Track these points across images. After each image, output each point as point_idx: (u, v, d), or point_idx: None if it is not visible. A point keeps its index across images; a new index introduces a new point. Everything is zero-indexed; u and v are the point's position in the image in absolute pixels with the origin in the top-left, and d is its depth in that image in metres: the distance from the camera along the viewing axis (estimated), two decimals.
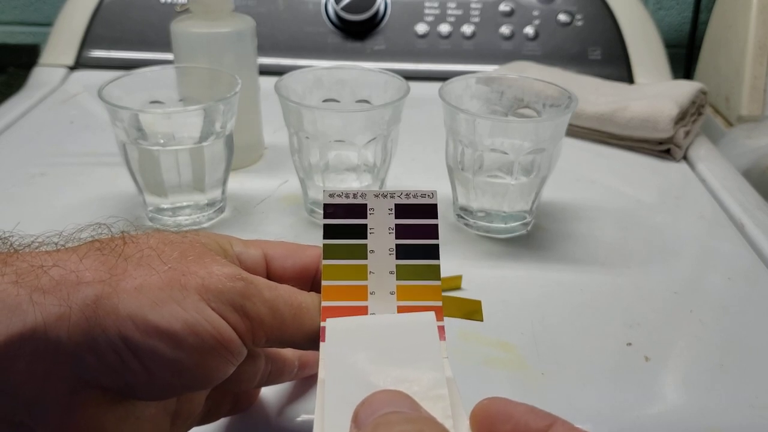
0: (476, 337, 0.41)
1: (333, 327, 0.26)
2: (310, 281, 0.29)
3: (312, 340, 0.27)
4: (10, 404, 0.22)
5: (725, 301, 0.46)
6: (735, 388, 0.38)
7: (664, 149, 0.66)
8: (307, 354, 0.35)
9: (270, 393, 0.36)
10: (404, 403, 0.21)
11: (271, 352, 0.32)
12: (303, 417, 0.35)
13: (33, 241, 0.26)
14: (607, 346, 0.41)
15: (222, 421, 0.33)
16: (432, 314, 0.26)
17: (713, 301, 0.46)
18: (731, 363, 0.40)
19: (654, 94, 0.68)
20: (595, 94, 0.71)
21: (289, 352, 0.34)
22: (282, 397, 0.36)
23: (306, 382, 0.37)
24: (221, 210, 0.54)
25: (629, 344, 0.41)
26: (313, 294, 0.27)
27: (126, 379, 0.23)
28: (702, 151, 0.67)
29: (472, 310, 0.29)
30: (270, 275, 0.29)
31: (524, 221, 0.52)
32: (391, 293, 0.27)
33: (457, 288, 0.30)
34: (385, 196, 0.28)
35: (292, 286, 0.28)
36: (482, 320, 0.29)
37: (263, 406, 0.35)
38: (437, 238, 0.28)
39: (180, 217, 0.52)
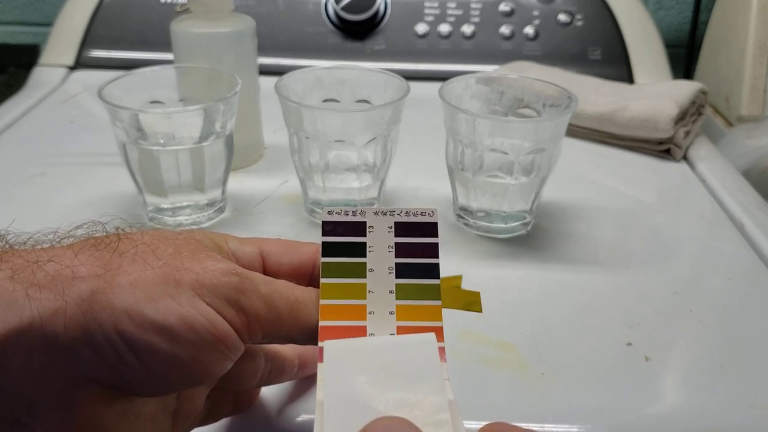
0: (476, 337, 0.41)
1: (331, 348, 0.25)
2: (308, 278, 0.29)
3: (309, 334, 0.26)
4: (9, 402, 0.22)
5: (725, 301, 0.46)
6: (735, 388, 0.38)
7: (664, 149, 0.66)
8: (307, 353, 0.35)
9: (270, 393, 0.36)
10: (407, 429, 0.21)
11: (271, 351, 0.32)
12: (303, 417, 0.35)
13: (29, 239, 0.26)
14: (607, 346, 0.41)
15: (222, 422, 0.33)
16: (432, 335, 0.26)
17: (713, 301, 0.46)
18: (731, 363, 0.40)
19: (654, 94, 0.68)
20: (595, 94, 0.71)
21: (288, 351, 0.34)
22: (282, 397, 0.36)
23: (306, 382, 0.37)
24: (221, 210, 0.54)
25: (629, 344, 0.41)
26: (310, 289, 0.27)
27: (123, 373, 0.23)
28: (702, 151, 0.67)
29: (470, 301, 0.29)
30: (266, 272, 0.29)
31: (524, 221, 0.52)
32: (391, 313, 0.27)
33: (477, 310, 0.30)
34: (385, 213, 0.28)
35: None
36: (481, 311, 0.29)
37: (263, 406, 0.35)
38: (438, 257, 0.28)
39: (180, 217, 0.52)
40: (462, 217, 0.53)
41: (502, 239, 0.51)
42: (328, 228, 0.28)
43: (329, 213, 0.28)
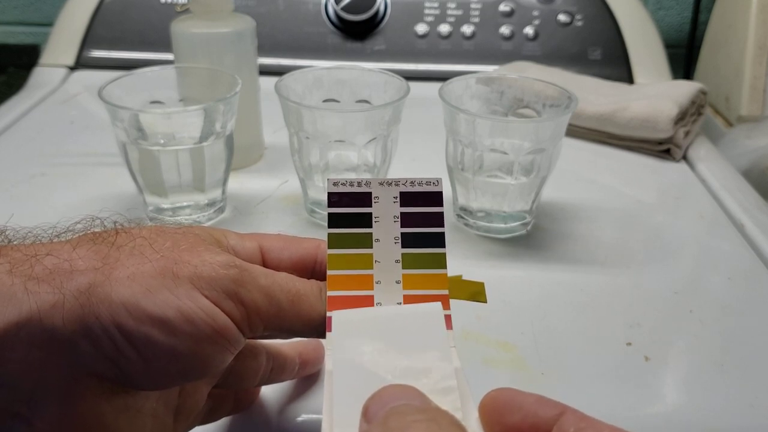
0: (476, 337, 0.41)
1: (339, 319, 0.26)
2: (309, 273, 0.29)
3: (312, 327, 0.26)
4: (8, 395, 0.22)
5: (725, 301, 0.46)
6: (735, 388, 0.38)
7: (664, 149, 0.66)
8: (308, 352, 0.35)
9: (270, 392, 0.36)
10: (414, 396, 0.21)
11: (272, 349, 0.32)
12: (303, 417, 0.35)
13: (28, 234, 0.26)
14: (607, 346, 0.41)
15: (222, 421, 0.33)
16: (438, 304, 0.26)
17: (713, 301, 0.46)
18: (731, 363, 0.40)
19: (654, 94, 0.68)
20: (595, 94, 0.71)
21: (289, 350, 0.34)
22: (282, 397, 0.36)
23: (306, 381, 0.37)
24: (221, 210, 0.54)
25: (629, 344, 0.41)
26: (312, 281, 0.27)
27: (122, 366, 0.23)
28: (702, 151, 0.67)
29: (475, 291, 0.29)
30: (266, 267, 0.29)
31: (524, 221, 0.52)
32: (397, 282, 0.27)
33: (482, 300, 0.30)
34: (390, 184, 0.28)
35: None
36: (486, 302, 0.29)
37: (263, 406, 0.35)
38: (443, 226, 0.28)
39: (180, 217, 0.52)
40: (462, 217, 0.53)
41: (502, 239, 0.51)
42: (334, 199, 0.28)
43: (335, 185, 0.28)
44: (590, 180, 0.62)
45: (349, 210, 0.28)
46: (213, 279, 0.24)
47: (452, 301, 0.27)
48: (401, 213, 0.28)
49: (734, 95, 0.79)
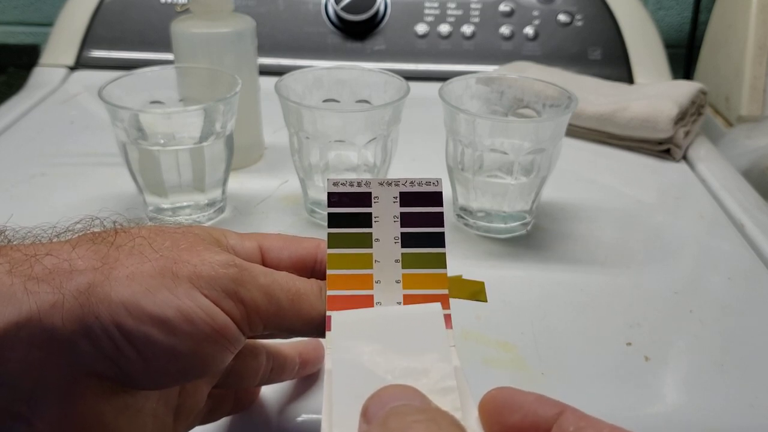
0: (476, 337, 0.41)
1: (339, 318, 0.26)
2: (309, 273, 0.29)
3: (312, 326, 0.26)
4: (8, 395, 0.22)
5: (725, 301, 0.46)
6: (735, 388, 0.38)
7: (664, 149, 0.66)
8: (308, 352, 0.35)
9: (270, 392, 0.36)
10: (414, 397, 0.21)
11: (272, 349, 0.32)
12: (303, 417, 0.35)
13: (27, 234, 0.26)
14: (607, 346, 0.41)
15: (222, 421, 0.33)
16: (438, 305, 0.26)
17: (713, 301, 0.46)
18: (731, 363, 0.40)
19: (654, 94, 0.68)
20: (595, 94, 0.71)
21: (290, 350, 0.34)
22: (282, 397, 0.36)
23: (306, 381, 0.37)
24: (221, 210, 0.54)
25: (629, 344, 0.41)
26: (312, 280, 0.27)
27: (122, 366, 0.23)
28: (702, 151, 0.67)
29: (475, 291, 0.29)
30: (266, 267, 0.29)
31: (524, 221, 0.52)
32: (397, 282, 0.27)
33: (482, 299, 0.30)
34: (390, 184, 0.28)
35: None
36: (486, 301, 0.29)
37: (263, 406, 0.35)
38: (443, 225, 0.28)
39: (180, 217, 0.52)
40: (462, 217, 0.53)
41: (502, 239, 0.51)
42: (334, 199, 0.28)
43: (335, 184, 0.28)
44: (590, 180, 0.62)
45: (349, 210, 0.28)
46: (212, 278, 0.24)
47: (452, 301, 0.27)
48: (401, 213, 0.28)
49: (734, 95, 0.79)
